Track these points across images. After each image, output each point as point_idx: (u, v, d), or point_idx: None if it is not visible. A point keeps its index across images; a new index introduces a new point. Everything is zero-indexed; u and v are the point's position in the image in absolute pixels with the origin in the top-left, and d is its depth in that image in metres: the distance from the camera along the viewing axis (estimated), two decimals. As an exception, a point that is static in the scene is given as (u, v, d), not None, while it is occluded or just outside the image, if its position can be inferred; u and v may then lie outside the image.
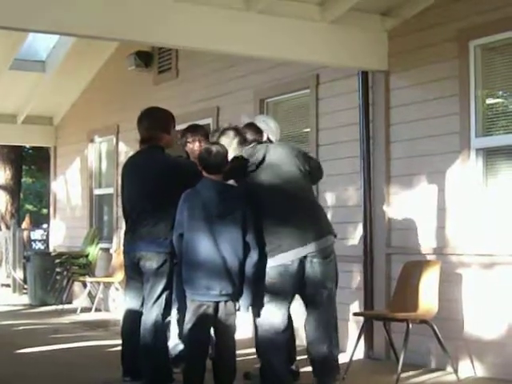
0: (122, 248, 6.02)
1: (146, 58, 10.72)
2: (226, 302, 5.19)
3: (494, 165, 6.51)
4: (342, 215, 7.54)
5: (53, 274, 11.98)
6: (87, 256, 11.73)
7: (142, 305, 5.65)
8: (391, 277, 7.07)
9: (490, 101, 6.66)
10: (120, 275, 10.09)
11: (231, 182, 5.47)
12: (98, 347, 8.07)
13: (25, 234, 16.51)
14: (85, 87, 12.61)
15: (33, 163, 23.44)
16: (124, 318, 5.86)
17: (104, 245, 11.83)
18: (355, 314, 6.81)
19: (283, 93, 8.54)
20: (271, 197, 5.35)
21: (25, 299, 13.06)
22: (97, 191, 12.55)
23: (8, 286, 14.53)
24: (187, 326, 5.24)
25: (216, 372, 5.32)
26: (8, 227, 15.90)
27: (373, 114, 7.30)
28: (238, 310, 5.30)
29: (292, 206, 5.34)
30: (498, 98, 6.76)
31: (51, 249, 13.80)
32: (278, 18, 6.60)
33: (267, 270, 5.25)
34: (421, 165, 6.91)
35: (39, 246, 20.44)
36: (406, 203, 7.07)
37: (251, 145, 5.57)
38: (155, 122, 5.82)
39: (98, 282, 11.17)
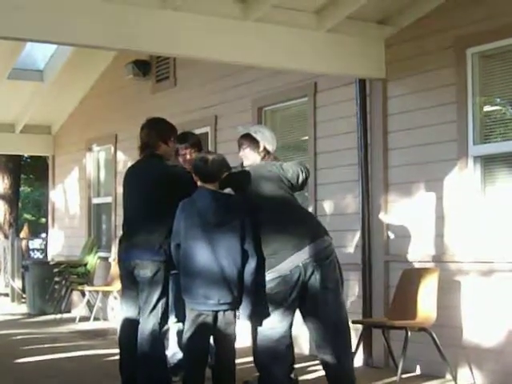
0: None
1: (143, 67, 10.71)
2: (224, 311, 5.16)
3: (492, 172, 6.51)
4: (339, 223, 7.54)
5: (51, 283, 11.96)
6: (86, 265, 11.73)
7: (139, 313, 5.64)
8: (390, 284, 7.08)
9: (487, 108, 6.67)
10: (118, 284, 10.00)
11: (228, 190, 5.45)
12: (96, 356, 8.05)
13: (23, 243, 16.46)
14: (83, 96, 12.62)
15: (31, 172, 23.44)
16: (121, 327, 5.83)
17: (102, 254, 11.83)
18: (354, 322, 6.77)
19: (281, 101, 8.55)
20: (265, 213, 5.31)
21: (23, 308, 13.04)
22: (95, 200, 12.55)
23: (7, 295, 14.49)
24: (186, 334, 5.22)
25: (215, 381, 5.30)
26: (6, 236, 15.87)
27: (370, 122, 7.31)
28: (238, 318, 5.27)
29: (283, 219, 5.29)
30: (495, 105, 6.77)
31: (50, 258, 13.79)
32: (275, 27, 6.62)
33: (267, 281, 5.18)
34: (419, 172, 6.91)
35: (38, 255, 20.47)
36: (404, 211, 7.07)
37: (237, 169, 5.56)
38: (154, 130, 5.84)
39: (97, 291, 11.13)
